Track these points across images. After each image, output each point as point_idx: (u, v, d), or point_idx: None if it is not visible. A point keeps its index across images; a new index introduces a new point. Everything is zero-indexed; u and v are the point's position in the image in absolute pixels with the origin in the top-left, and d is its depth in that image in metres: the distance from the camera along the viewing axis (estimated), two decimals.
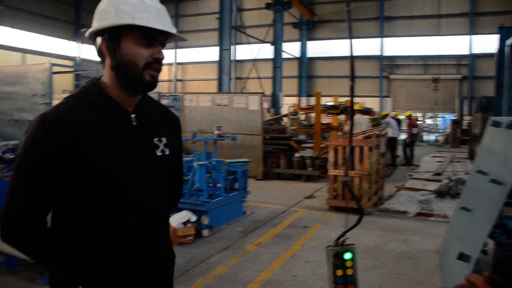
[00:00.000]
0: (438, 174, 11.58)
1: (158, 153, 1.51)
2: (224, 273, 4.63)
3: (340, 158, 7.38)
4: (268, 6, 24.96)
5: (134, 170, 1.43)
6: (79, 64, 32.70)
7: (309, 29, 31.42)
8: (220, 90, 16.34)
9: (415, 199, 8.24)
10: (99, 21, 1.41)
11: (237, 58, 32.50)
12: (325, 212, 7.42)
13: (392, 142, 13.56)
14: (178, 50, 35.76)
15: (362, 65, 29.42)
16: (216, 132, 7.43)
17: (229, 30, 16.64)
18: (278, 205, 7.93)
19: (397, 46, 29.25)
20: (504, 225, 4.45)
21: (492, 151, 4.50)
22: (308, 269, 4.76)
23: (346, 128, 13.25)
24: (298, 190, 9.54)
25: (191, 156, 6.95)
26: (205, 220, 5.88)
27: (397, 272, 4.74)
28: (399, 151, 15.33)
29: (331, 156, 7.49)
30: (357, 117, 12.45)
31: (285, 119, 20.57)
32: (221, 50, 16.62)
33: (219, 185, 6.68)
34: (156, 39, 1.42)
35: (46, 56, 29.42)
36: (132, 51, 1.40)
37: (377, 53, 29.48)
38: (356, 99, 23.53)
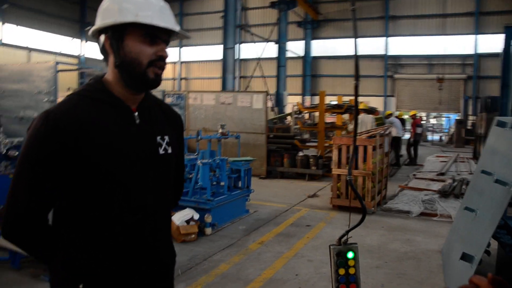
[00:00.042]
0: (442, 174, 11.54)
1: (161, 151, 1.51)
2: (226, 271, 4.64)
3: (344, 157, 7.37)
4: (272, 5, 24.95)
5: (137, 168, 1.43)
6: (83, 62, 32.80)
7: (313, 28, 31.37)
8: (224, 88, 16.36)
9: (419, 199, 8.21)
10: (102, 19, 1.41)
11: (242, 56, 32.53)
12: (328, 211, 7.41)
13: (396, 142, 13.54)
14: (183, 49, 35.82)
15: (367, 64, 29.37)
16: (220, 130, 7.43)
17: (234, 29, 16.65)
18: (281, 204, 7.93)
19: (402, 45, 29.17)
20: (508, 225, 4.44)
21: (496, 151, 4.48)
22: (311, 268, 4.76)
23: (351, 127, 13.23)
24: (302, 189, 9.53)
25: (195, 154, 6.97)
26: (208, 218, 5.89)
27: (400, 272, 4.74)
28: (403, 151, 15.30)
29: (335, 155, 7.48)
30: (362, 116, 12.42)
31: (289, 118, 20.56)
32: (225, 49, 16.64)
33: (222, 183, 6.69)
34: (160, 37, 1.42)
35: (51, 54, 29.52)
36: (136, 49, 1.39)
37: (382, 52, 29.41)
38: (361, 98, 23.52)
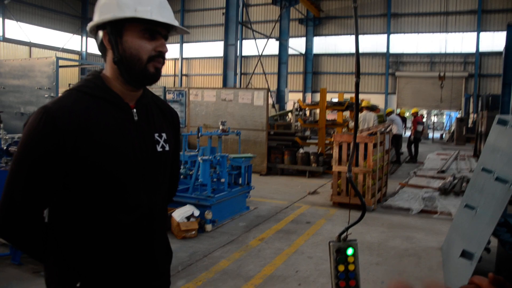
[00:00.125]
0: (443, 171, 11.55)
1: (159, 148, 1.50)
2: (227, 267, 4.65)
3: (345, 154, 7.37)
4: (274, 2, 24.88)
5: (135, 166, 1.42)
6: (85, 58, 32.81)
7: (315, 25, 31.33)
8: (225, 85, 16.35)
9: (419, 196, 8.22)
10: (100, 14, 1.39)
11: (243, 53, 32.48)
12: (329, 208, 7.42)
13: (396, 139, 13.53)
14: (184, 45, 35.77)
15: (368, 61, 29.35)
16: (221, 127, 7.43)
17: (235, 26, 16.60)
18: (282, 201, 7.93)
19: (404, 43, 29.13)
20: (508, 223, 4.44)
21: (497, 149, 4.48)
22: (311, 265, 4.77)
23: (352, 124, 13.22)
24: (302, 186, 9.54)
25: (196, 151, 6.97)
26: (209, 215, 5.90)
27: (400, 269, 4.75)
28: (404, 148, 15.29)
29: (335, 152, 7.49)
30: (364, 113, 12.40)
31: (290, 115, 20.54)
32: (226, 45, 16.59)
33: (223, 180, 6.69)
34: (159, 32, 1.41)
35: (52, 50, 29.50)
36: (135, 44, 1.38)
37: (383, 49, 29.36)
38: (362, 96, 23.50)
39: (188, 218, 5.64)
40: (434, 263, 4.95)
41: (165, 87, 11.33)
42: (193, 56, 35.79)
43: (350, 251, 1.54)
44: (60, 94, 6.31)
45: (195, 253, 5.04)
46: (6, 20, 27.59)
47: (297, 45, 30.79)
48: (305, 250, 5.25)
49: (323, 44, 31.49)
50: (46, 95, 7.48)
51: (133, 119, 1.45)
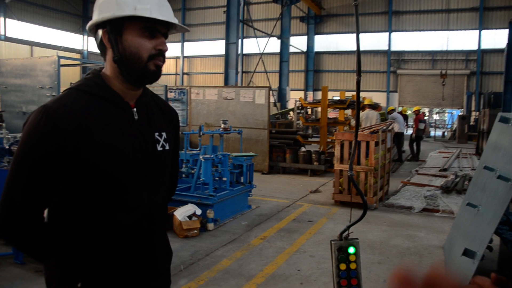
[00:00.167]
0: (445, 169, 11.52)
1: (159, 148, 1.50)
2: (229, 266, 4.65)
3: (346, 152, 7.37)
4: (275, 0, 24.86)
5: (135, 165, 1.42)
6: (86, 57, 32.84)
7: (316, 23, 31.29)
8: (226, 83, 16.35)
9: (421, 195, 8.21)
10: (100, 13, 1.39)
11: (244, 52, 32.47)
12: (331, 207, 7.42)
13: (398, 137, 13.52)
14: (185, 44, 35.76)
15: (370, 59, 29.31)
16: (222, 125, 7.44)
17: (236, 24, 16.60)
18: (284, 199, 7.93)
19: (405, 40, 29.08)
20: (510, 221, 4.43)
21: (499, 147, 4.47)
22: (312, 264, 4.77)
23: (353, 122, 13.21)
24: (304, 184, 9.54)
25: (198, 149, 6.97)
26: (211, 214, 5.90)
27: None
28: (406, 146, 15.27)
29: (337, 150, 7.48)
30: (367, 112, 12.38)
31: (291, 113, 20.54)
32: (227, 44, 16.59)
33: (224, 178, 6.70)
34: (159, 30, 1.40)
35: (54, 49, 29.54)
36: (135, 43, 1.37)
37: (385, 47, 29.32)
38: (363, 94, 23.47)
39: (190, 217, 5.64)
40: (436, 261, 4.94)
41: (166, 86, 11.32)
42: (194, 55, 35.78)
43: (351, 250, 1.54)
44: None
45: (197, 252, 5.04)
46: (8, 19, 27.62)
47: (298, 43, 30.76)
48: (307, 249, 5.25)
49: (325, 42, 31.46)
50: (47, 94, 7.49)
51: (133, 119, 1.45)
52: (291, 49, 27.33)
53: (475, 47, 27.09)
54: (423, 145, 16.20)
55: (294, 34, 29.06)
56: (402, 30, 28.96)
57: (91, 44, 33.11)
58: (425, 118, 24.48)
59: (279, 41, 25.66)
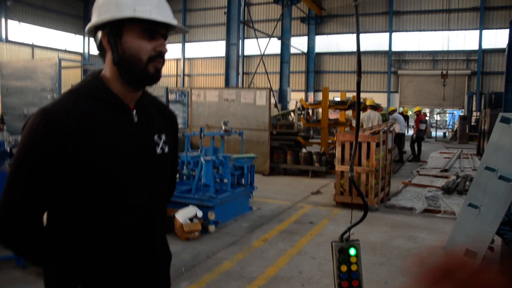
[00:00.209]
0: (446, 170, 11.51)
1: (158, 150, 1.50)
2: (230, 268, 4.65)
3: (347, 154, 7.36)
4: (276, 1, 24.91)
5: (136, 167, 1.41)
6: (87, 59, 32.91)
7: (317, 23, 31.32)
8: (227, 85, 16.36)
9: (422, 196, 8.20)
10: (99, 14, 1.38)
11: (245, 53, 32.50)
12: (332, 208, 7.41)
13: (399, 138, 13.51)
14: (186, 45, 35.80)
15: (370, 60, 29.32)
16: (223, 127, 7.44)
17: (237, 25, 16.61)
18: (285, 201, 7.93)
19: (406, 41, 29.11)
20: (511, 222, 4.42)
21: (500, 147, 4.46)
22: (314, 265, 4.77)
23: (355, 123, 13.20)
24: (305, 185, 9.53)
25: (198, 151, 6.97)
26: (212, 216, 5.89)
27: (404, 269, 4.73)
28: (407, 147, 15.26)
29: (338, 152, 7.47)
30: (369, 112, 12.37)
31: (292, 114, 20.54)
32: (228, 45, 16.60)
33: (225, 180, 6.69)
34: (158, 31, 1.39)
35: (55, 51, 29.59)
36: (135, 45, 1.37)
37: (386, 48, 29.33)
38: (364, 95, 23.47)
39: (191, 219, 5.64)
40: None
41: (167, 88, 11.37)
42: (195, 56, 35.81)
43: (352, 251, 1.54)
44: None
45: (199, 254, 5.04)
46: (9, 21, 27.69)
47: (299, 44, 30.78)
48: (308, 251, 5.25)
49: (325, 42, 31.48)
50: (49, 97, 7.50)
51: (133, 121, 1.45)
52: (292, 50, 27.34)
53: (476, 47, 27.09)
54: (424, 146, 16.19)
55: (294, 35, 29.10)
56: (403, 31, 28.98)
57: (92, 46, 33.15)
58: (426, 118, 24.45)
59: (279, 42, 25.68)
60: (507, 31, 14.83)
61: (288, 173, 11.15)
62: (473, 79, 27.38)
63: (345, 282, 1.53)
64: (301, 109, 18.07)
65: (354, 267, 1.53)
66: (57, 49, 30.60)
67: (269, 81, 23.20)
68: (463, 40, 27.59)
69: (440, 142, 23.66)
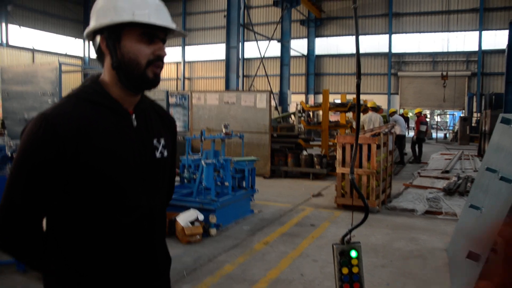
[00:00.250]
0: (447, 171, 11.50)
1: (158, 155, 1.50)
2: (231, 272, 4.64)
3: (348, 156, 7.36)
4: (275, 3, 24.94)
5: (134, 171, 1.41)
6: (87, 63, 32.99)
7: (316, 26, 31.38)
8: (227, 88, 16.38)
9: (423, 197, 8.18)
10: (97, 19, 1.38)
11: (245, 56, 32.54)
12: (333, 211, 7.40)
13: (400, 140, 13.50)
14: (186, 48, 35.85)
15: (370, 62, 29.36)
16: (224, 130, 7.44)
17: (237, 28, 16.63)
18: (286, 204, 7.92)
19: (406, 42, 29.15)
20: None
21: (501, 148, 4.46)
22: (316, 268, 4.76)
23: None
24: (306, 188, 9.52)
25: (199, 154, 6.97)
26: (213, 219, 5.89)
27: (405, 271, 4.72)
28: (407, 149, 15.25)
29: (339, 154, 7.47)
30: (370, 114, 12.37)
31: (292, 117, 20.55)
32: (228, 48, 16.62)
33: (226, 183, 6.69)
34: (157, 35, 1.39)
35: (55, 55, 29.67)
36: (134, 49, 1.37)
37: (385, 50, 29.37)
38: (365, 96, 23.48)
39: (192, 222, 5.63)
40: (440, 264, 4.93)
41: (167, 91, 11.38)
42: (195, 59, 35.86)
43: (353, 254, 1.54)
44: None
45: (200, 258, 5.03)
46: (9, 26, 27.79)
47: (299, 46, 30.82)
48: (310, 253, 5.24)
49: (325, 45, 31.53)
50: (49, 101, 7.51)
51: (132, 125, 1.44)
52: (292, 53, 27.38)
53: (476, 48, 27.11)
54: (425, 147, 16.18)
55: (294, 37, 29.16)
56: (403, 32, 29.02)
57: (92, 50, 33.15)
58: (427, 120, 24.45)
59: (279, 44, 25.72)
60: (506, 32, 14.84)
61: (289, 175, 11.14)
62: (473, 80, 27.39)
63: (347, 285, 1.53)
64: (301, 111, 18.08)
65: (355, 270, 1.53)
66: (58, 53, 30.70)
67: (269, 83, 23.22)
68: (463, 41, 27.61)
69: (440, 144, 23.65)
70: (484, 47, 26.92)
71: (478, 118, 22.45)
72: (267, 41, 24.02)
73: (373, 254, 5.18)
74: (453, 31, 27.41)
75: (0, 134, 11.00)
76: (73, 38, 32.66)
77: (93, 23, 1.39)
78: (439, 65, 27.87)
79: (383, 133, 7.93)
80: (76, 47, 33.28)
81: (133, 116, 1.46)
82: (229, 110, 11.36)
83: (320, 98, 25.62)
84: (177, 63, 35.81)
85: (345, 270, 1.52)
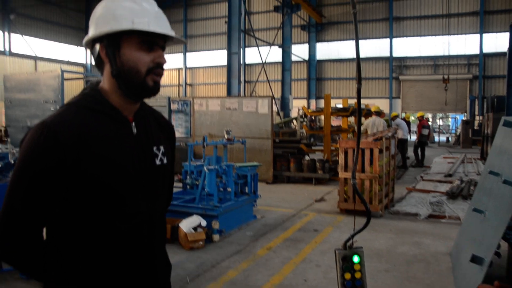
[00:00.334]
0: (450, 175, 11.47)
1: (157, 162, 1.50)
2: (235, 278, 4.63)
3: (350, 160, 7.35)
4: (276, 9, 25.03)
5: (134, 178, 1.41)
6: (89, 70, 33.14)
7: (317, 31, 31.45)
8: (229, 93, 16.40)
9: (427, 201, 8.17)
10: (96, 27, 1.38)
11: (246, 61, 32.61)
12: (336, 215, 7.39)
13: (402, 144, 13.48)
14: (187, 55, 35.95)
15: (371, 66, 29.38)
16: (226, 136, 7.44)
17: (238, 34, 16.68)
18: (289, 209, 7.91)
19: (407, 46, 29.15)
20: None
21: (504, 151, 4.45)
22: (319, 273, 4.75)
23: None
24: (309, 193, 9.51)
25: (202, 160, 6.97)
26: (216, 225, 5.88)
27: (409, 275, 4.70)
28: (410, 153, 15.22)
29: (341, 158, 7.46)
30: (374, 118, 12.36)
31: (294, 122, 20.56)
32: (229, 54, 16.66)
33: (229, 189, 6.68)
34: (157, 43, 1.40)
35: (57, 63, 29.82)
36: (133, 57, 1.37)
37: (386, 54, 29.38)
38: (366, 101, 23.48)
39: (195, 228, 5.62)
40: (444, 268, 4.91)
41: (169, 97, 11.38)
42: (196, 66, 35.94)
43: (356, 259, 1.53)
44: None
45: (203, 264, 5.02)
46: (12, 35, 27.98)
47: (300, 51, 30.88)
48: (313, 259, 5.22)
49: (326, 50, 31.58)
50: (52, 109, 7.54)
51: (132, 133, 1.44)
52: (293, 58, 27.42)
53: (477, 51, 27.10)
54: (427, 151, 16.15)
55: (295, 42, 29.20)
56: (403, 36, 29.04)
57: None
58: (429, 123, 24.42)
59: (280, 50, 25.78)
60: (507, 34, 14.84)
61: (291, 181, 11.13)
62: (474, 83, 27.36)
63: None
64: (303, 116, 18.08)
65: (358, 275, 1.52)
66: (60, 60, 30.86)
67: (271, 89, 23.26)
68: (464, 44, 27.61)
69: (443, 147, 23.60)
70: (485, 50, 26.92)
71: (480, 121, 22.40)
72: (268, 47, 24.06)
73: (377, 259, 5.16)
74: (454, 34, 27.43)
75: (3, 141, 11.04)
76: (75, 46, 32.83)
77: (92, 31, 1.40)
78: (441, 69, 27.86)
79: (386, 137, 7.92)
80: (78, 55, 33.46)
81: (133, 124, 1.46)
82: (231, 116, 11.38)
83: (321, 103, 25.61)
84: (179, 69, 35.90)
85: (347, 276, 1.52)
